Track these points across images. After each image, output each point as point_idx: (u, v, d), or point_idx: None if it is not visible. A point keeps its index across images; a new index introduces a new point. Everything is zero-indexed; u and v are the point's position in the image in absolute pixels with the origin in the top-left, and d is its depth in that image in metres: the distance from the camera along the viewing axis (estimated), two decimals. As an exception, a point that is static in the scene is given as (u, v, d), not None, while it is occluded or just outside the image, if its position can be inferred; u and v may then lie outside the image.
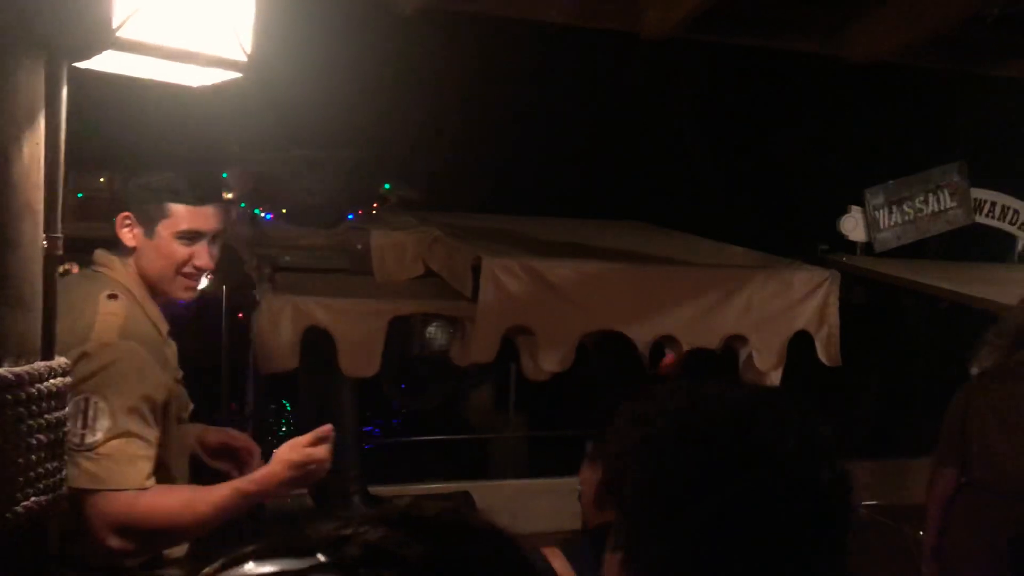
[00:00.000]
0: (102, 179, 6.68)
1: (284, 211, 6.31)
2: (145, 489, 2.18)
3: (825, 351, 4.37)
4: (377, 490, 4.91)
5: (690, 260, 4.61)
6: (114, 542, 2.16)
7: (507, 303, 3.97)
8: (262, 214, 6.88)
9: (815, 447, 1.04)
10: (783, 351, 4.30)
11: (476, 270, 4.03)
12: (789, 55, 5.24)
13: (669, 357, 5.13)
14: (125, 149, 6.47)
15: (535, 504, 4.35)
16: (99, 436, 2.19)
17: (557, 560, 1.90)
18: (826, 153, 8.84)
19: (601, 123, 10.16)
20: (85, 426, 2.19)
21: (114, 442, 2.18)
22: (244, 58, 2.17)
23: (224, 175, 6.29)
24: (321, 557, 0.66)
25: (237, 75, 2.22)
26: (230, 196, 6.30)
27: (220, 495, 2.23)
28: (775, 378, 4.33)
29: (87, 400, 2.19)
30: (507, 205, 7.24)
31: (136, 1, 2.01)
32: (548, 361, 4.00)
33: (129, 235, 2.44)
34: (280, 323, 3.98)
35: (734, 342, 4.31)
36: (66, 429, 2.00)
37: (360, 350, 4.06)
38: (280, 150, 6.15)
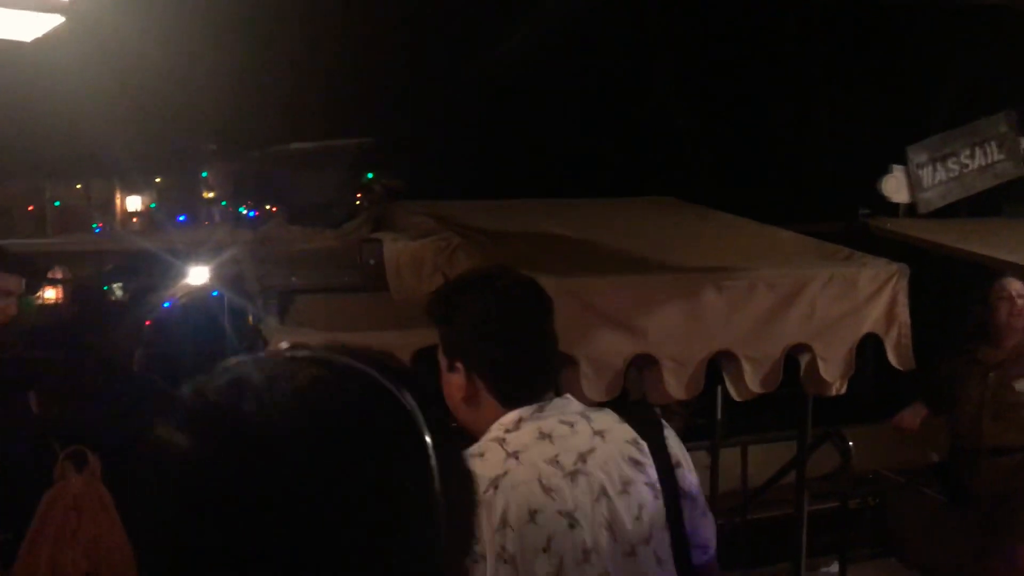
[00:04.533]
0: (79, 186, 6.30)
1: (272, 208, 5.88)
2: None
3: (896, 354, 3.95)
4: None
5: (741, 256, 4.15)
6: None
7: (545, 329, 3.54)
8: (246, 212, 6.44)
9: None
10: (851, 358, 3.88)
11: (507, 291, 3.59)
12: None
13: None
14: (103, 154, 6.06)
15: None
16: None
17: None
18: (861, 109, 8.28)
19: (582, 88, 9.51)
20: None
21: None
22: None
23: (204, 174, 5.87)
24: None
25: (61, 19, 2.21)
26: (211, 195, 5.88)
27: None
28: (842, 387, 3.93)
29: None
30: (497, 187, 6.77)
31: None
32: (594, 391, 3.59)
33: None
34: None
35: (795, 351, 3.89)
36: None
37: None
38: (274, 145, 5.67)
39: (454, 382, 2.08)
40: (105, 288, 8.22)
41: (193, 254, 6.05)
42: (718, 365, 3.86)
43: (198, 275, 6.38)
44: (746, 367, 3.78)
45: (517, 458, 1.96)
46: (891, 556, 6.85)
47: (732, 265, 3.94)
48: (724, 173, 7.83)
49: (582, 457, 1.99)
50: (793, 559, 5.02)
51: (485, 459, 1.96)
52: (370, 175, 6.39)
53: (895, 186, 6.17)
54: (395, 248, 4.22)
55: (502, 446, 1.99)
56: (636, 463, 2.04)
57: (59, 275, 8.08)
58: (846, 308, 3.87)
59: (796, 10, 7.15)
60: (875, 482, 6.84)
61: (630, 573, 1.98)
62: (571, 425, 2.03)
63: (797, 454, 4.56)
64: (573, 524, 1.93)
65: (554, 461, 1.97)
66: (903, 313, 3.93)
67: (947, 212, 6.26)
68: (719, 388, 4.15)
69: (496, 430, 2.03)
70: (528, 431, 2.00)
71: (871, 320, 3.91)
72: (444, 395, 2.03)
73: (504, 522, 1.89)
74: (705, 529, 2.15)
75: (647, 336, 3.64)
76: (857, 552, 6.53)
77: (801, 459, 4.53)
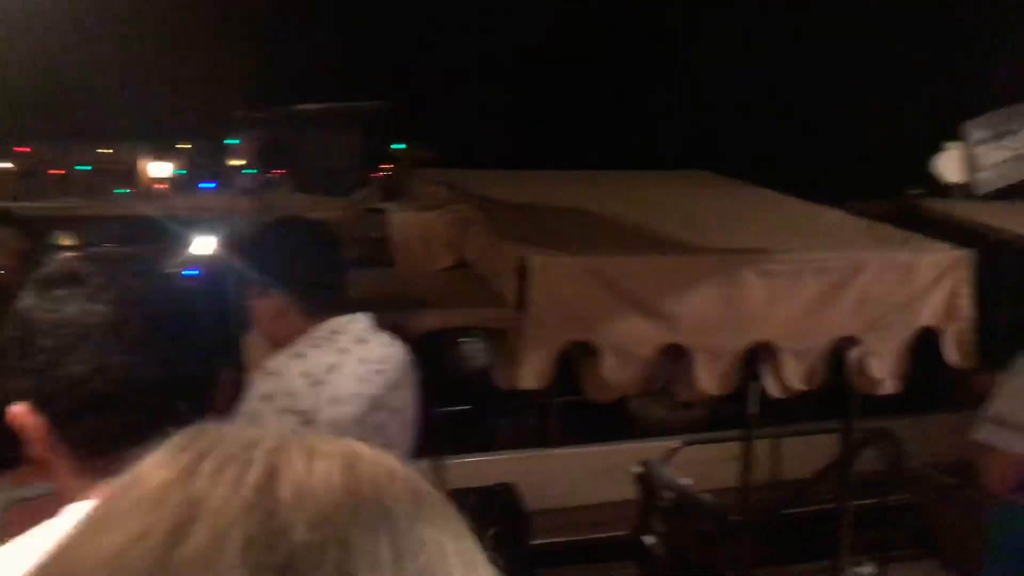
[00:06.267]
0: (105, 150, 6.03)
1: (273, 173, 5.55)
2: None
3: (958, 350, 3.53)
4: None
5: (784, 238, 3.75)
6: None
7: (564, 314, 3.18)
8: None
9: None
10: (905, 354, 3.48)
11: (522, 271, 3.22)
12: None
13: None
14: (129, 118, 5.81)
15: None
16: None
17: None
18: (914, 83, 7.73)
19: (617, 57, 9.01)
20: None
21: None
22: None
23: (234, 140, 5.57)
24: None
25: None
26: (239, 163, 5.57)
27: None
28: (895, 385, 3.53)
29: None
30: (531, 156, 6.39)
31: None
32: (617, 382, 3.22)
33: None
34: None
35: (843, 344, 3.49)
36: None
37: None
38: (281, 105, 5.32)
39: (266, 306, 2.28)
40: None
41: (199, 222, 5.77)
42: (753, 357, 3.47)
43: (203, 244, 6.09)
44: (787, 361, 3.39)
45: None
46: (932, 558, 6.45)
47: (775, 247, 3.53)
48: (762, 145, 7.38)
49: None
50: (833, 559, 4.66)
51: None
52: (403, 145, 6.02)
53: (949, 165, 5.73)
54: (402, 220, 3.86)
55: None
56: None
57: (67, 242, 7.85)
58: (902, 298, 3.46)
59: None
60: (915, 480, 6.42)
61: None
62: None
63: (842, 457, 4.17)
64: None
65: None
66: (966, 305, 3.51)
67: (1006, 195, 5.79)
68: (755, 383, 3.75)
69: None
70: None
71: (929, 312, 3.50)
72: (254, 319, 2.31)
73: None
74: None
75: (679, 324, 3.25)
76: (898, 552, 6.14)
77: (846, 463, 4.14)
